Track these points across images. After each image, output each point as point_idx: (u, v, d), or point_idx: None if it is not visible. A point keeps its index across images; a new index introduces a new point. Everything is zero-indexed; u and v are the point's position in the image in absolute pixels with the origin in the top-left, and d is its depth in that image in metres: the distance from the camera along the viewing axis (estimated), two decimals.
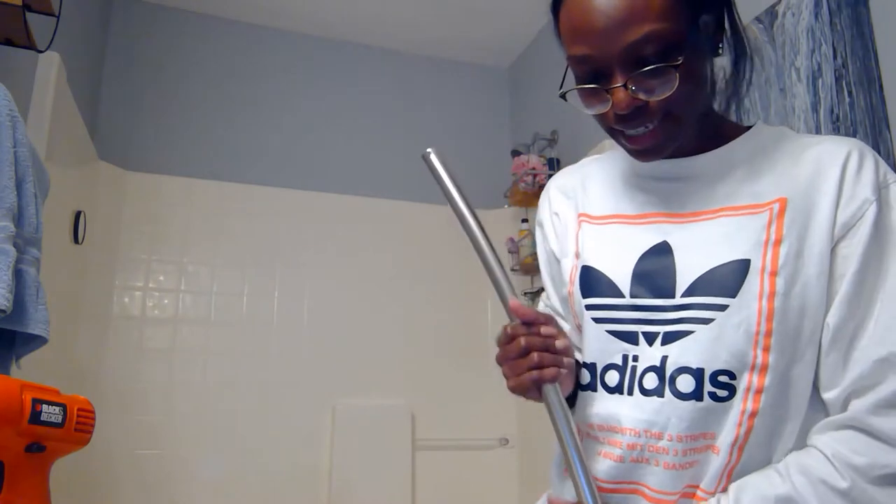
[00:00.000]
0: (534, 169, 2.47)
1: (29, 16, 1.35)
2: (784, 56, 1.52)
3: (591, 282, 0.75)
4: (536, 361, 0.66)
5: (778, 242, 0.65)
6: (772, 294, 0.64)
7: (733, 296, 0.65)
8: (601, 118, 0.70)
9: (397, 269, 2.71)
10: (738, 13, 0.73)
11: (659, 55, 0.63)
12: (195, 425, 2.31)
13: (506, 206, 2.81)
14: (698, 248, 0.69)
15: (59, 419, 0.78)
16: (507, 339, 0.69)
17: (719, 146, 0.73)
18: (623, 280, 0.73)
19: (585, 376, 0.75)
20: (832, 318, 0.64)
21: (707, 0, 0.67)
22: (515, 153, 2.61)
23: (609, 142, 0.78)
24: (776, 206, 0.67)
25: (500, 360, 0.70)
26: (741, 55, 0.74)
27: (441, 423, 2.61)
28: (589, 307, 0.75)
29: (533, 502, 0.83)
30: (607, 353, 0.72)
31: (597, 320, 0.74)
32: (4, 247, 1.00)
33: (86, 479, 2.07)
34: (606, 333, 0.73)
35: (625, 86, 0.64)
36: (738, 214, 0.69)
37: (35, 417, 0.75)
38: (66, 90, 1.78)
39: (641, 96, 0.64)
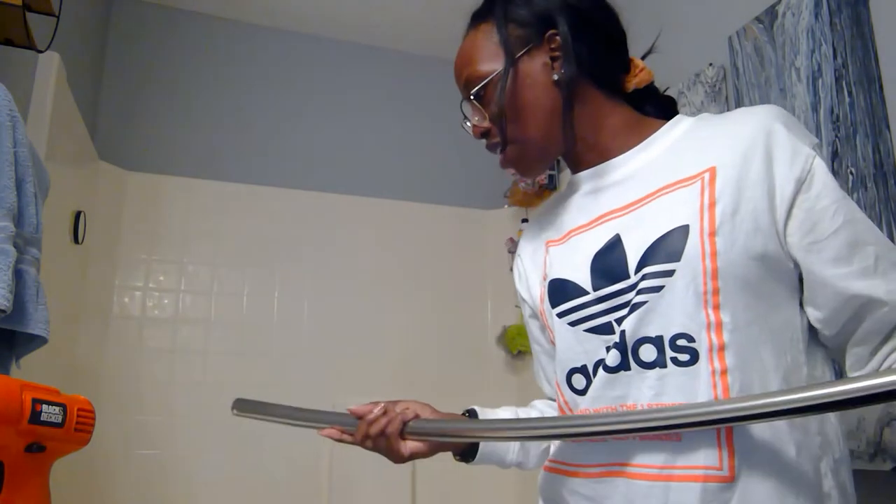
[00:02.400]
0: None
1: (29, 16, 1.35)
2: (784, 56, 1.52)
3: (559, 291, 0.78)
4: (381, 431, 0.82)
5: (713, 205, 0.68)
6: (713, 253, 0.66)
7: (678, 260, 0.67)
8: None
9: (397, 269, 2.71)
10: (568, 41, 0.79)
11: (481, 92, 0.80)
12: (195, 425, 2.31)
13: (506, 206, 2.81)
14: (641, 227, 0.72)
15: (59, 419, 0.78)
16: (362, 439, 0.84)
17: (642, 142, 0.80)
18: (584, 279, 0.75)
19: (580, 380, 0.75)
20: (858, 260, 0.66)
21: (524, 41, 0.78)
22: None
23: None
24: (707, 175, 0.70)
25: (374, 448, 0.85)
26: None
27: None
28: (561, 314, 0.77)
29: (533, 503, 0.84)
30: (593, 351, 0.73)
31: (572, 323, 0.75)
32: (4, 247, 1.00)
33: (86, 479, 2.07)
34: (584, 333, 0.74)
35: (464, 114, 0.83)
36: (674, 190, 0.72)
37: (35, 417, 0.75)
38: (66, 90, 1.78)
39: (475, 122, 0.82)
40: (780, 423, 0.64)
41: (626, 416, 0.65)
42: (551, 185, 2.50)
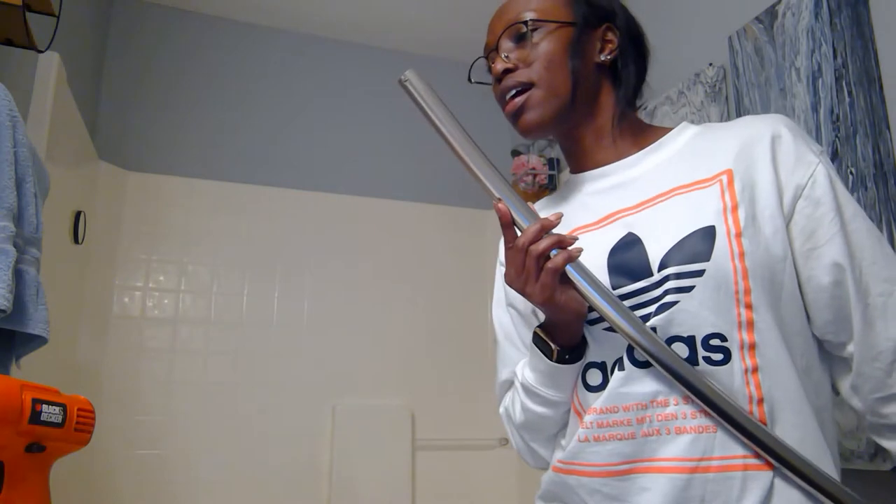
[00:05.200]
0: (534, 169, 2.47)
1: (29, 16, 1.35)
2: (784, 56, 1.52)
3: None
4: (543, 251, 0.68)
5: (735, 208, 0.70)
6: (741, 254, 0.67)
7: (707, 259, 0.68)
8: (496, 96, 0.85)
9: (397, 269, 2.71)
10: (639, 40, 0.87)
11: (532, 29, 0.80)
12: (195, 425, 2.31)
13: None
14: (662, 225, 0.73)
15: (59, 419, 0.78)
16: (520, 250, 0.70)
17: (650, 145, 0.82)
18: (600, 277, 0.73)
19: (597, 376, 0.74)
20: (850, 272, 0.68)
21: (588, 17, 0.82)
22: (515, 153, 2.61)
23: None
24: (724, 178, 0.72)
25: (517, 273, 0.71)
26: (625, 71, 0.85)
27: (441, 423, 2.61)
28: None
29: (532, 502, 0.83)
30: (612, 349, 0.72)
31: (590, 322, 0.74)
32: (4, 247, 1.00)
33: (86, 479, 2.07)
34: (603, 332, 0.73)
35: (497, 49, 0.83)
36: (690, 191, 0.73)
37: (35, 417, 0.75)
38: (66, 90, 1.78)
39: (509, 56, 0.81)
40: (813, 415, 0.68)
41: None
42: (551, 185, 2.50)
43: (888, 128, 1.26)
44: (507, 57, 0.82)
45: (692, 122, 1.77)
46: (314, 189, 2.70)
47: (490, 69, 0.85)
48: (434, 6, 2.70)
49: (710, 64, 1.75)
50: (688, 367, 0.66)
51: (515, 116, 0.82)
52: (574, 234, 0.80)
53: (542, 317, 0.79)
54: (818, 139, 1.40)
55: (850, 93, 1.35)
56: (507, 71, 0.81)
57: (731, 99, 1.69)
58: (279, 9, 2.73)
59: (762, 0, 1.60)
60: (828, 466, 0.67)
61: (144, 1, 2.64)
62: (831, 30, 1.40)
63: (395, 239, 2.74)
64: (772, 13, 1.56)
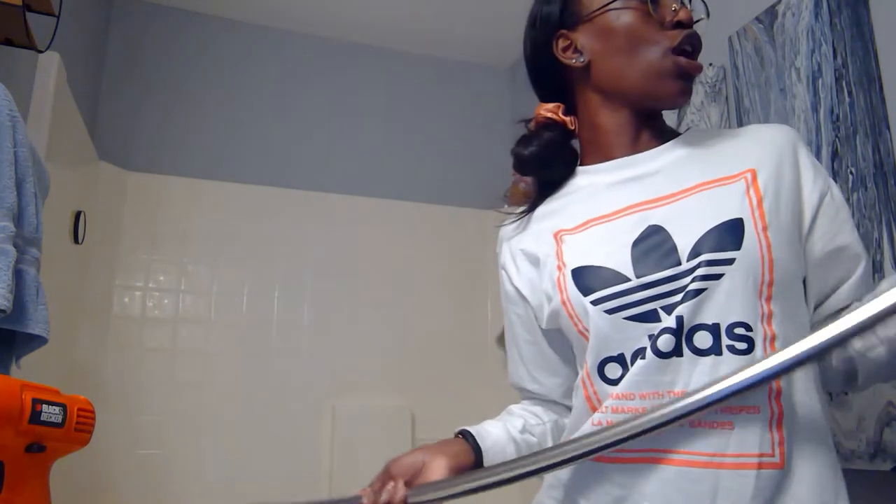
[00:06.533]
0: None
1: (29, 16, 1.35)
2: (784, 56, 1.52)
3: (590, 278, 0.75)
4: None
5: (760, 203, 0.72)
6: (769, 246, 0.69)
7: (738, 248, 0.68)
8: (658, 39, 0.77)
9: (397, 269, 2.71)
10: None
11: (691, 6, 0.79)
12: (195, 425, 2.31)
13: (506, 206, 2.81)
14: (688, 217, 0.73)
15: (59, 419, 0.78)
16: None
17: (668, 142, 0.82)
18: (624, 266, 0.73)
19: (616, 370, 0.73)
20: (859, 260, 0.76)
21: None
22: None
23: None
24: (749, 175, 0.74)
25: None
26: None
27: (441, 423, 2.59)
28: (596, 301, 0.73)
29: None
30: (633, 339, 0.71)
31: (610, 311, 0.72)
32: (4, 247, 1.00)
33: (86, 479, 2.07)
34: (624, 321, 0.72)
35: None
36: (713, 187, 0.74)
37: (35, 417, 0.75)
38: (66, 90, 1.78)
39: (695, 18, 0.78)
40: (820, 408, 0.69)
41: (638, 421, 0.63)
42: None
43: (888, 128, 1.26)
44: (692, 10, 0.79)
45: (692, 122, 1.77)
46: (314, 189, 2.70)
47: (673, 10, 0.78)
48: (434, 6, 2.70)
49: (710, 64, 1.75)
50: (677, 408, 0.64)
51: (690, 80, 0.78)
52: (587, 225, 0.80)
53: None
54: (818, 139, 1.40)
55: (850, 93, 1.35)
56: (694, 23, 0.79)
57: (731, 99, 1.69)
58: (280, 9, 2.73)
59: (762, 0, 1.60)
60: (829, 449, 0.69)
61: (144, 1, 2.64)
62: (831, 30, 1.40)
63: (394, 239, 2.74)
64: (772, 13, 1.56)
